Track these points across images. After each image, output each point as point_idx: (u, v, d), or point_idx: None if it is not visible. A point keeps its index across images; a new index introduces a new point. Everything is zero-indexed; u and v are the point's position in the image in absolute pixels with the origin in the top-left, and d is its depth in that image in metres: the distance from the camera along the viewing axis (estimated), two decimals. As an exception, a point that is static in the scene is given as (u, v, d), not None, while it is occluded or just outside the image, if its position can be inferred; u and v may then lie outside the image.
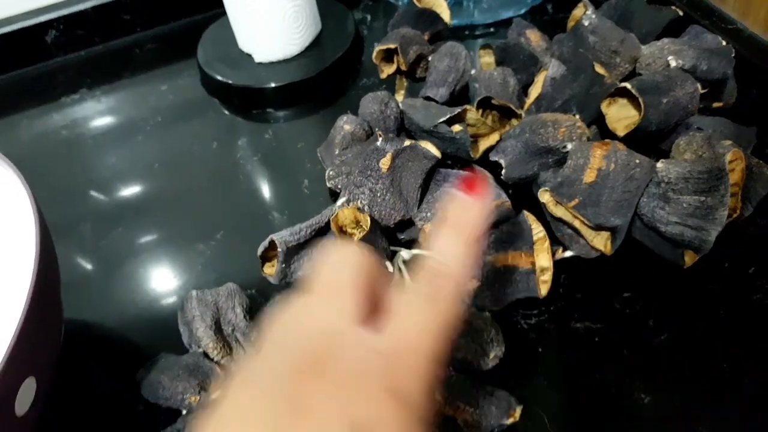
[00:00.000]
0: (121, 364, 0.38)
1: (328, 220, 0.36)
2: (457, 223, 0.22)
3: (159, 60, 0.67)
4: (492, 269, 0.36)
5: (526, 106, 0.48)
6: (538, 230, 0.36)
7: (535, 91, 0.47)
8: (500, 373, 0.33)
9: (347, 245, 0.22)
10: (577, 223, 0.38)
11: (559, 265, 0.38)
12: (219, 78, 0.59)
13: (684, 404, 0.33)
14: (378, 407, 0.18)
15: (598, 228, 0.37)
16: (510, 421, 0.31)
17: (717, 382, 0.34)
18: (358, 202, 0.38)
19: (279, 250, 0.37)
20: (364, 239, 0.35)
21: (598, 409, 0.33)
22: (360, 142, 0.46)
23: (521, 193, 0.42)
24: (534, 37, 0.53)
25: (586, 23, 0.48)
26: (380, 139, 0.40)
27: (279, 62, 0.60)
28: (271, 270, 0.40)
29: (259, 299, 0.40)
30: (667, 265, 0.38)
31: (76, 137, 0.59)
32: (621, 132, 0.44)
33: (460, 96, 0.51)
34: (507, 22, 0.57)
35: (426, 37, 0.55)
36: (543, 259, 0.36)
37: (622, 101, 0.45)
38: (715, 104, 0.47)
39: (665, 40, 0.47)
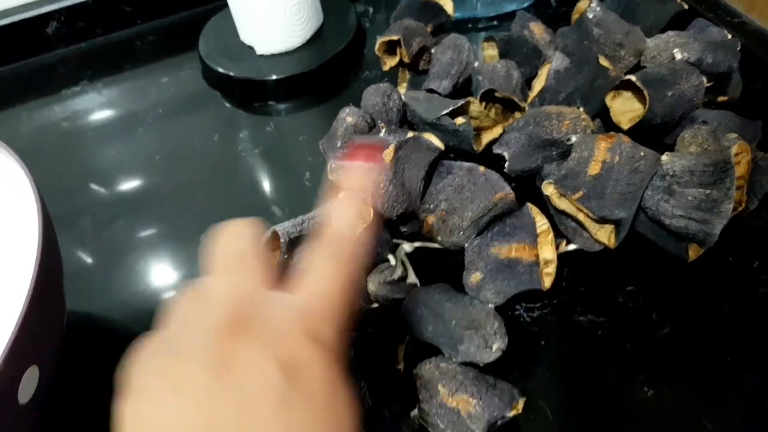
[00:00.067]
0: (123, 355, 0.38)
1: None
2: (349, 189, 0.24)
3: (160, 52, 0.67)
4: (495, 261, 0.36)
5: (529, 99, 0.47)
6: (541, 222, 0.36)
7: (538, 84, 0.47)
8: (503, 366, 0.33)
9: (234, 222, 0.24)
10: (580, 216, 0.38)
11: (562, 259, 0.38)
12: (220, 70, 0.58)
13: (687, 398, 0.33)
14: (300, 348, 0.20)
15: (602, 221, 0.37)
16: (513, 413, 0.31)
17: (720, 376, 0.34)
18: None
19: (281, 241, 0.36)
20: (366, 231, 0.34)
21: (601, 403, 0.33)
22: (362, 134, 0.46)
23: (524, 187, 0.42)
24: (538, 30, 0.53)
25: (590, 16, 0.48)
26: (383, 130, 0.39)
27: (281, 54, 0.59)
28: (272, 261, 0.39)
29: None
30: (671, 258, 0.38)
31: (77, 129, 0.59)
32: (625, 125, 0.43)
33: (463, 89, 0.50)
34: (510, 15, 0.57)
35: (429, 30, 0.55)
36: (547, 251, 0.36)
37: (627, 94, 0.44)
38: (720, 98, 0.47)
39: (670, 33, 0.47)
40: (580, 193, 0.37)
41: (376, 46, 0.52)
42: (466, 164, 0.39)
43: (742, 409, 0.32)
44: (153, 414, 0.19)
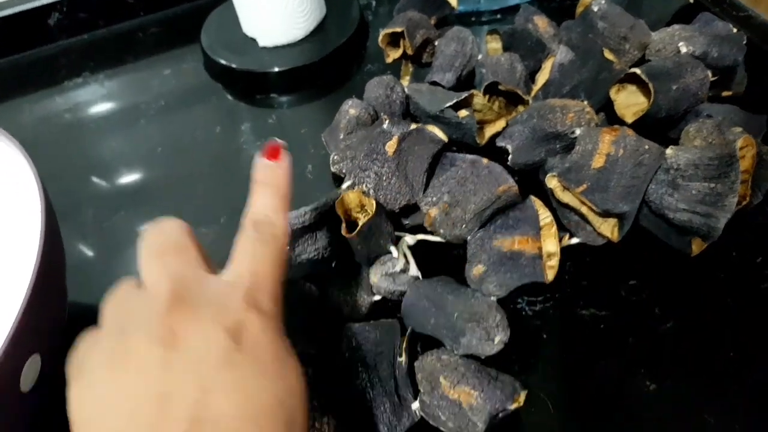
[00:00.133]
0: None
1: (333, 204, 0.36)
2: (267, 183, 0.27)
3: (162, 44, 0.67)
4: (498, 254, 0.36)
5: (533, 93, 0.47)
6: (545, 215, 0.36)
7: (542, 77, 0.47)
8: (505, 359, 0.33)
9: (161, 220, 0.25)
10: (584, 210, 0.38)
11: (565, 252, 0.38)
12: (222, 62, 0.58)
13: (689, 393, 0.33)
14: (243, 316, 0.21)
15: (605, 214, 0.37)
16: (514, 406, 0.31)
17: (723, 371, 0.33)
18: (364, 185, 0.38)
19: (283, 233, 0.36)
20: (369, 223, 0.34)
21: (603, 397, 0.33)
22: (365, 126, 0.46)
23: (528, 180, 0.42)
24: (542, 24, 0.52)
25: (595, 9, 0.48)
26: (386, 122, 0.39)
27: (283, 47, 0.59)
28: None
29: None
30: (674, 252, 0.38)
31: (79, 121, 0.58)
32: (629, 119, 0.43)
33: (466, 82, 0.50)
34: (514, 9, 0.56)
35: (432, 22, 0.55)
36: (550, 244, 0.36)
37: (631, 88, 0.44)
38: (725, 93, 0.47)
39: (676, 26, 0.46)
40: (584, 186, 0.36)
41: (380, 38, 0.52)
42: (470, 156, 0.39)
43: (744, 404, 0.32)
44: (106, 393, 0.19)
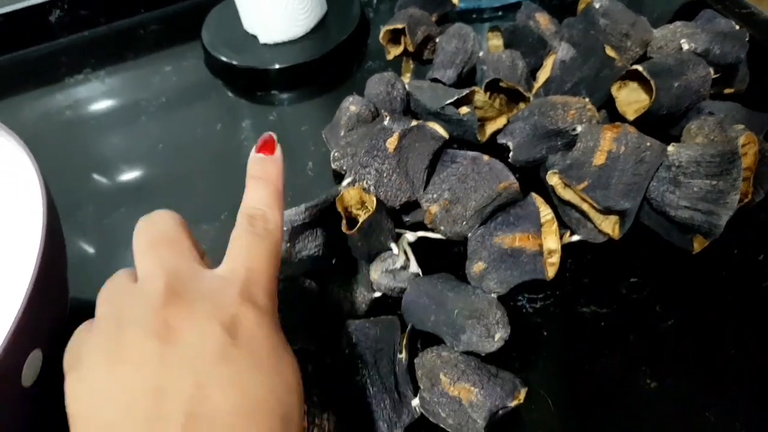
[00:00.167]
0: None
1: (334, 200, 0.36)
2: (260, 177, 0.26)
3: (163, 41, 0.67)
4: (498, 251, 0.36)
5: (534, 90, 0.47)
6: (546, 212, 0.36)
7: (543, 75, 0.47)
8: (505, 356, 0.33)
9: (155, 212, 0.26)
10: (585, 207, 0.38)
11: (565, 250, 0.38)
12: (223, 59, 0.58)
13: (690, 391, 0.33)
14: (238, 310, 0.21)
15: (606, 211, 0.37)
16: (514, 403, 0.31)
17: (724, 369, 0.33)
18: (364, 182, 0.38)
19: (284, 229, 0.36)
20: (369, 220, 0.34)
21: (603, 394, 0.33)
22: (365, 123, 0.46)
23: (529, 177, 0.42)
24: (543, 21, 0.52)
25: (597, 5, 0.48)
26: (387, 118, 0.39)
27: (284, 44, 0.59)
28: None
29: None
30: (676, 250, 0.38)
31: (80, 118, 0.58)
32: (631, 116, 0.43)
33: (467, 79, 0.50)
34: (515, 6, 0.56)
35: (433, 19, 0.55)
36: (551, 241, 0.35)
37: (633, 85, 0.44)
38: (727, 90, 0.46)
39: (678, 23, 0.46)
40: (585, 183, 0.36)
41: (381, 35, 0.52)
42: (471, 153, 0.39)
43: (745, 402, 0.32)
44: (102, 386, 0.19)
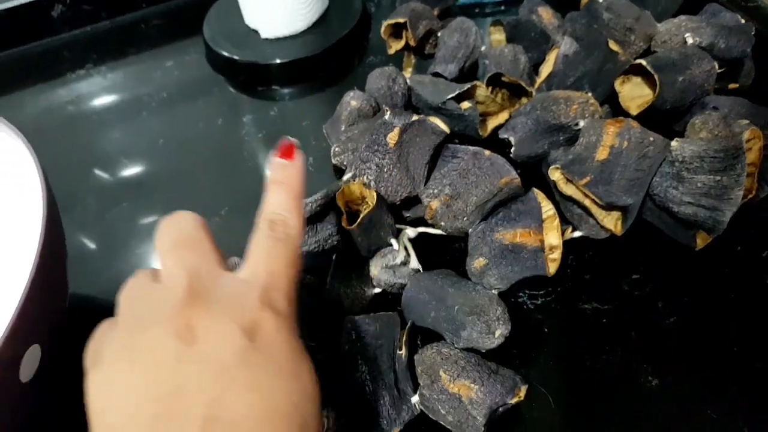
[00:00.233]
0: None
1: (334, 196, 0.35)
2: (282, 182, 0.26)
3: (165, 36, 0.66)
4: (499, 247, 0.35)
5: (536, 84, 0.47)
6: (547, 208, 0.36)
7: (546, 69, 0.46)
8: (505, 353, 0.33)
9: (180, 212, 0.25)
10: (587, 202, 0.37)
11: (567, 246, 0.37)
12: (225, 54, 0.58)
13: (692, 388, 0.32)
14: (259, 315, 0.21)
15: (609, 207, 0.36)
16: (515, 400, 0.30)
17: (727, 366, 0.33)
18: (365, 177, 0.38)
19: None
20: (370, 215, 0.34)
21: (604, 392, 0.33)
22: (366, 118, 0.45)
23: (530, 172, 0.42)
24: (546, 15, 0.52)
25: (600, -1, 0.47)
26: (388, 113, 0.39)
27: (285, 38, 0.59)
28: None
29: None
30: (679, 246, 0.38)
31: (82, 113, 0.58)
32: (634, 111, 0.43)
33: (469, 73, 0.50)
34: (517, 1, 0.56)
35: (435, 13, 0.54)
36: (552, 236, 0.35)
37: (636, 79, 0.44)
38: (731, 85, 0.46)
39: (682, 17, 0.46)
40: (587, 178, 0.36)
41: (382, 29, 0.52)
42: (472, 148, 0.38)
43: (748, 400, 0.32)
44: (122, 383, 0.19)
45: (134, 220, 0.47)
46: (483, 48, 0.49)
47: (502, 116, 0.45)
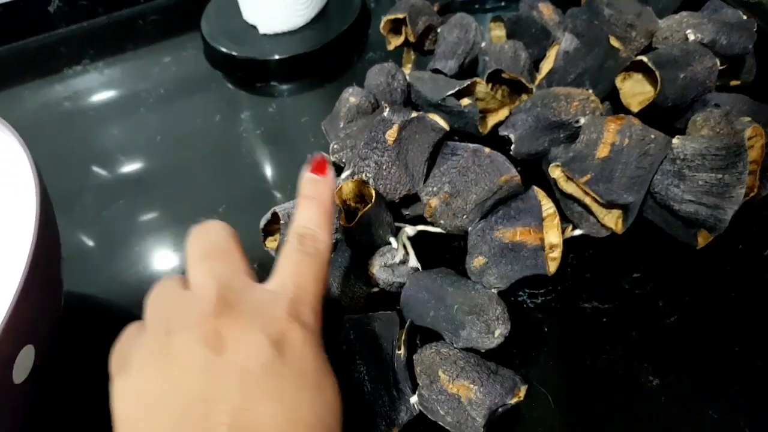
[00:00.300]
0: (117, 338, 0.38)
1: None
2: (313, 197, 0.27)
3: (162, 32, 0.66)
4: (499, 245, 0.35)
5: (537, 81, 0.46)
6: (548, 206, 0.35)
7: (546, 66, 0.46)
8: (505, 353, 0.33)
9: (211, 221, 0.25)
10: (587, 200, 0.37)
11: (567, 244, 0.37)
12: (223, 50, 0.58)
13: (693, 388, 0.32)
14: (286, 327, 0.21)
15: (609, 205, 0.36)
16: (514, 400, 0.30)
17: (728, 366, 0.33)
18: (363, 175, 0.37)
19: (282, 222, 0.36)
20: (368, 213, 0.34)
21: (605, 392, 0.33)
22: (365, 115, 0.45)
23: (530, 170, 0.41)
24: (547, 11, 0.51)
25: (601, -5, 0.47)
26: (387, 109, 0.38)
27: (284, 34, 0.58)
28: (273, 244, 0.39)
29: (260, 273, 0.39)
30: (680, 245, 0.37)
31: (79, 109, 0.58)
32: (635, 108, 0.42)
33: (469, 70, 0.49)
34: (518, -4, 0.55)
35: (435, 9, 0.54)
36: (552, 235, 0.35)
37: (637, 76, 0.43)
38: (733, 82, 0.46)
39: (684, 13, 0.45)
40: (588, 176, 0.36)
41: (381, 25, 0.51)
42: (472, 146, 0.38)
43: (749, 399, 0.31)
44: (149, 388, 0.20)
45: (132, 217, 0.46)
46: (483, 44, 0.49)
47: (503, 113, 0.44)
